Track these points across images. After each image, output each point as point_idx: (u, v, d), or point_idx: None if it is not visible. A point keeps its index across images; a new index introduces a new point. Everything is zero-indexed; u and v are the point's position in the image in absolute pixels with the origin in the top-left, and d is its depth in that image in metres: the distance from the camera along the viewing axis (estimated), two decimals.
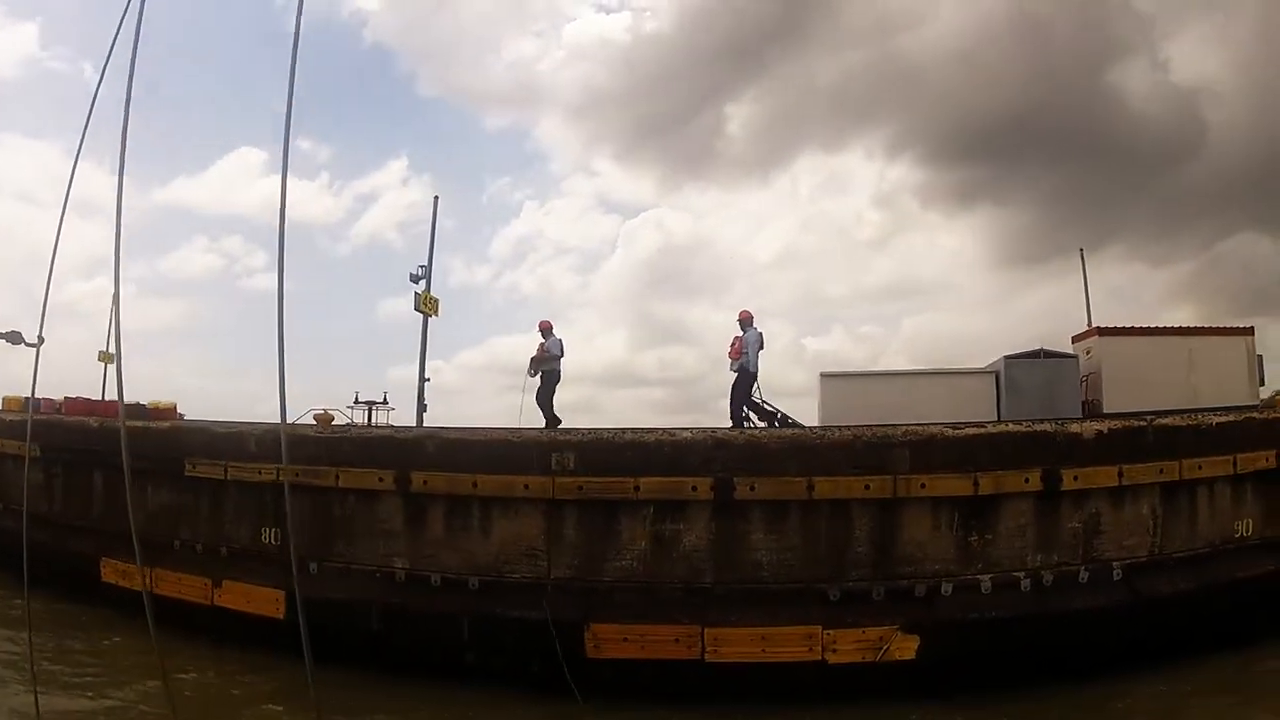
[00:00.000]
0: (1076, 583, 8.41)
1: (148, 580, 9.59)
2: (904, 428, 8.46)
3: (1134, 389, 11.61)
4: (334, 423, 11.07)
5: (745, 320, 12.75)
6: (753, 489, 8.20)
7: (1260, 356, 12.50)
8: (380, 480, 8.83)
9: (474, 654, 8.48)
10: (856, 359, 61.16)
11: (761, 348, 12.80)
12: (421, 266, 17.50)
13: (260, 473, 9.30)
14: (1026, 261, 53.88)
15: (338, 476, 9.00)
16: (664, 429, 8.64)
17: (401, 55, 66.69)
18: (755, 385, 12.64)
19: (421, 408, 16.81)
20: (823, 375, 13.20)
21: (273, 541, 9.35)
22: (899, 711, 7.76)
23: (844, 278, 61.10)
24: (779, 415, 12.72)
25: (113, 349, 22.49)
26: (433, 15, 62.24)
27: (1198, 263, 49.11)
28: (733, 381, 12.70)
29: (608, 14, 66.13)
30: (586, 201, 67.57)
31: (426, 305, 17.13)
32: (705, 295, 60.80)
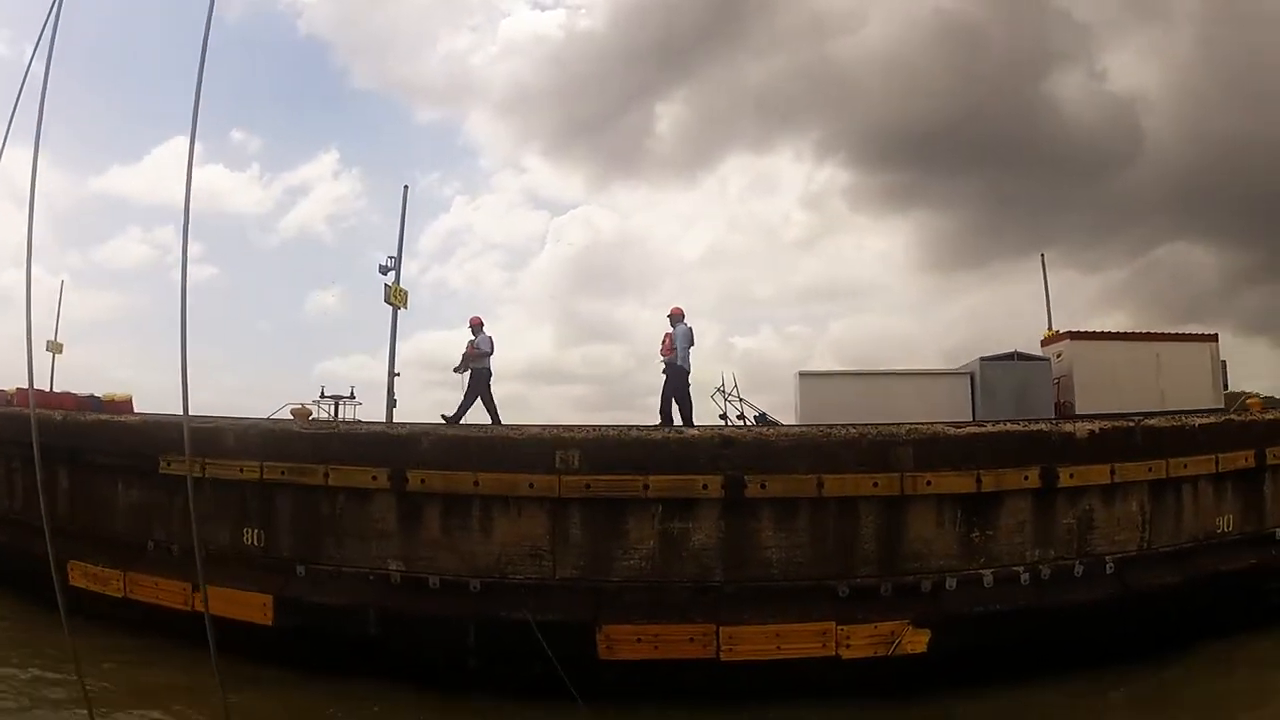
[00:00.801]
0: (1072, 576, 8.62)
1: (123, 584, 9.08)
2: (907, 426, 8.52)
3: (1104, 392, 12.02)
4: (311, 417, 10.57)
5: (676, 316, 12.63)
6: (763, 487, 8.14)
7: (1224, 362, 13.08)
8: (373, 479, 8.44)
9: (476, 658, 8.20)
10: (785, 359, 62.00)
11: (692, 344, 12.64)
12: (390, 258, 17.03)
13: (241, 470, 8.80)
14: (955, 266, 55.37)
15: (327, 474, 8.57)
16: (671, 427, 8.49)
17: (335, 48, 65.69)
18: (734, 386, 12.59)
19: (391, 403, 16.31)
20: (801, 374, 13.23)
21: (256, 543, 8.87)
22: (911, 705, 7.84)
23: (772, 278, 61.87)
24: (761, 415, 12.70)
25: (61, 338, 21.52)
26: (368, 8, 61.31)
27: (1130, 270, 50.82)
28: (665, 379, 12.49)
29: (542, 10, 66.03)
30: (515, 197, 67.53)
31: (396, 297, 16.66)
32: (632, 293, 61.00)
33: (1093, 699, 8.02)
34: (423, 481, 8.34)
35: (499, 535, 8.33)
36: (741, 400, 12.97)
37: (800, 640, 7.99)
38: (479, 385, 12.69)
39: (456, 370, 12.80)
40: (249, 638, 8.56)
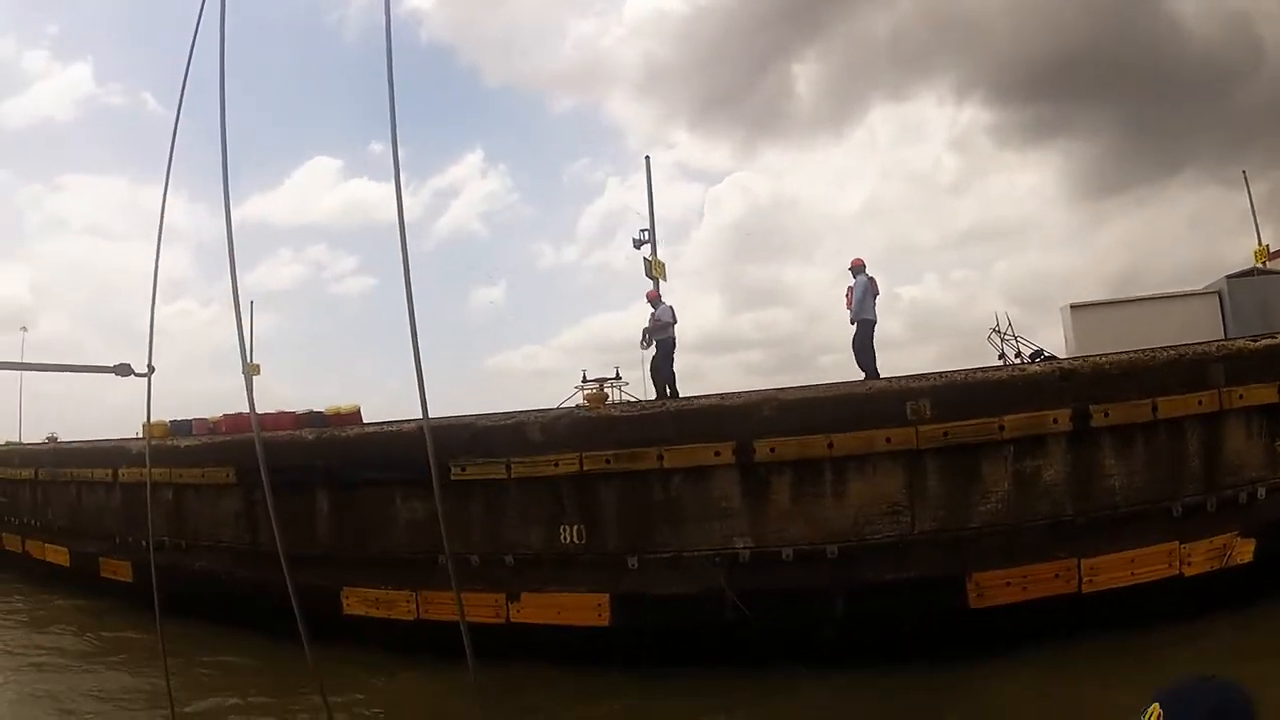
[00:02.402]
0: None
1: (414, 605, 8.13)
2: (1216, 343, 8.75)
3: None
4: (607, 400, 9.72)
5: (857, 267, 12.37)
6: (1106, 415, 8.17)
7: None
8: (716, 454, 7.89)
9: (833, 626, 7.89)
10: (950, 304, 60.21)
11: (876, 293, 12.41)
12: (643, 230, 16.30)
13: (557, 465, 8.01)
14: (1103, 193, 55.45)
15: (660, 457, 7.94)
16: (1009, 364, 8.36)
17: (460, 50, 65.59)
18: (1009, 325, 12.64)
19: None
20: (1072, 307, 13.51)
21: (575, 540, 8.12)
22: (1239, 613, 8.14)
23: (930, 224, 61.70)
24: (1038, 352, 12.74)
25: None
26: (487, 6, 59.97)
27: (1272, 182, 49.43)
28: (854, 333, 12.33)
29: None
30: (668, 173, 66.39)
31: (656, 270, 15.93)
32: (796, 254, 60.86)
33: None
34: (772, 450, 7.87)
35: (853, 497, 8.00)
36: (1018, 338, 13.05)
37: (1150, 563, 8.14)
38: (663, 356, 12.16)
39: (643, 346, 12.24)
40: (583, 642, 7.94)
